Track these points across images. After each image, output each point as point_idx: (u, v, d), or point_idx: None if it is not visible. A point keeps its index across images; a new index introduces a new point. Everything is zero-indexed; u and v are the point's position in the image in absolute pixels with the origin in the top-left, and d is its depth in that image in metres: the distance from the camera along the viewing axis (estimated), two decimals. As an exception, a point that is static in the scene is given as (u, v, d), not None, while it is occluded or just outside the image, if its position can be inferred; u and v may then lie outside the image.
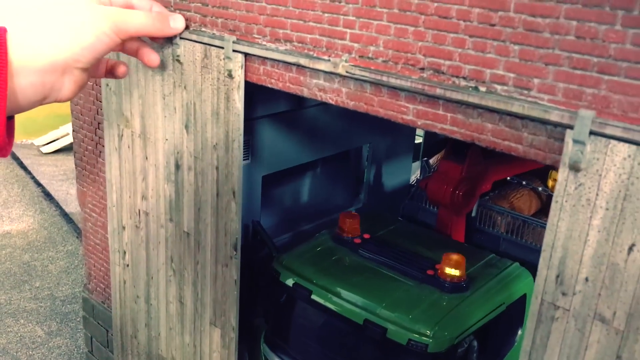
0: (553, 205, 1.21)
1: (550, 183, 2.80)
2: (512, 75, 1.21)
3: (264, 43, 1.61)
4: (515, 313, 1.98)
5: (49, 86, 1.19)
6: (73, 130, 2.62)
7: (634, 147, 1.07)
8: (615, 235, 1.13)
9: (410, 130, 3.26)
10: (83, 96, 2.47)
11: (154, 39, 1.72)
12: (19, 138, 6.54)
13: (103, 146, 2.47)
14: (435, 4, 1.28)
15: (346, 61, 1.45)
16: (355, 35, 1.42)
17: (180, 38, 1.73)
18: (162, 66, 1.85)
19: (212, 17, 1.69)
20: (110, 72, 1.47)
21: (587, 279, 1.18)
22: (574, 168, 1.14)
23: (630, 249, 1.12)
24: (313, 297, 1.93)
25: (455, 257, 1.90)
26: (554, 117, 1.15)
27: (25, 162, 5.74)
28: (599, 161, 1.12)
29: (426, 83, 1.32)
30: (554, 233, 1.21)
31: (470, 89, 1.27)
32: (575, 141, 1.13)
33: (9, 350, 3.23)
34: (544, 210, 2.73)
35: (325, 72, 1.50)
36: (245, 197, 2.08)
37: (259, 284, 2.24)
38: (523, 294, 2.01)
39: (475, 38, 1.24)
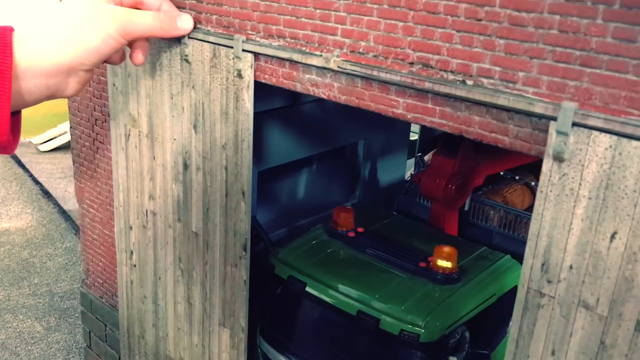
0: (538, 195, 1.24)
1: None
2: (498, 68, 1.24)
3: (257, 39, 1.64)
4: (506, 304, 2.01)
5: (54, 87, 1.21)
6: (70, 127, 2.64)
7: (615, 137, 1.11)
8: (598, 223, 1.16)
9: (405, 127, 3.29)
10: (80, 93, 2.50)
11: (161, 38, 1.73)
12: (17, 136, 6.55)
13: (101, 142, 2.50)
14: (424, 0, 1.31)
15: (338, 56, 1.48)
16: (346, 30, 1.45)
17: (189, 37, 1.73)
18: (170, 66, 1.85)
19: (206, 14, 1.72)
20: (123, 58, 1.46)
21: (571, 267, 1.22)
22: (558, 159, 1.18)
23: (613, 236, 1.15)
24: (307, 289, 1.97)
25: (447, 249, 1.93)
26: (538, 109, 1.18)
27: (23, 160, 5.77)
28: (581, 152, 1.15)
29: (415, 77, 1.35)
30: (539, 222, 1.25)
31: (458, 82, 1.30)
32: (559, 132, 1.16)
33: (8, 346, 3.26)
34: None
35: (318, 67, 1.53)
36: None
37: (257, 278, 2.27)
38: (514, 285, 2.04)
39: (463, 33, 1.27)
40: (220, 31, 1.70)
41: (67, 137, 6.35)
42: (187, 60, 1.78)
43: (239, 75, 1.66)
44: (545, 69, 1.18)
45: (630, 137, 1.09)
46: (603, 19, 1.09)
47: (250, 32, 1.65)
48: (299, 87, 1.60)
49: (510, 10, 1.19)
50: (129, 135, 2.11)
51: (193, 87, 1.81)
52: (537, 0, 1.15)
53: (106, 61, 1.48)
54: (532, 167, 2.80)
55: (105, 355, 2.85)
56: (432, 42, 1.32)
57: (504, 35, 1.22)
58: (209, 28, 1.72)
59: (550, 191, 1.21)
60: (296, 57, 1.55)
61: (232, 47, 1.65)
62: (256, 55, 1.63)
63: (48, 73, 1.18)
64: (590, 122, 1.12)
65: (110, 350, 2.80)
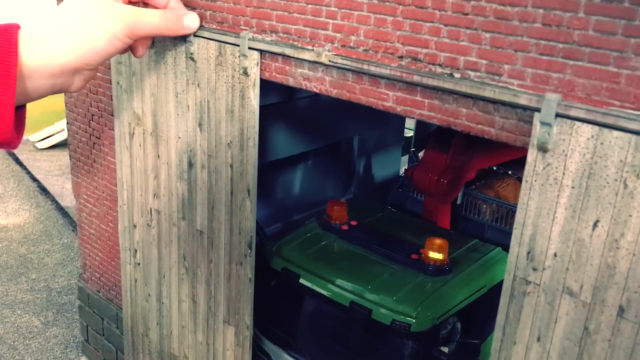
0: (523, 185, 1.27)
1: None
2: (484, 61, 1.27)
3: (251, 34, 1.66)
4: (497, 295, 2.04)
5: (59, 85, 1.23)
6: (67, 123, 2.67)
7: (596, 128, 1.14)
8: (581, 212, 1.19)
9: (399, 123, 3.32)
10: (77, 89, 2.52)
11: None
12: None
13: (97, 138, 2.53)
14: (413, -5, 1.34)
15: (329, 51, 1.51)
16: (337, 25, 1.48)
17: (194, 35, 1.73)
18: (175, 64, 1.84)
19: (201, 9, 1.75)
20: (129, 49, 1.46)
21: (555, 255, 1.25)
22: (542, 149, 1.21)
23: (595, 224, 1.18)
24: (301, 281, 1.99)
25: (438, 241, 1.96)
26: (523, 100, 1.21)
27: (21, 157, 5.79)
28: (564, 142, 1.18)
29: (404, 70, 1.38)
30: (524, 211, 1.28)
31: (446, 75, 1.33)
32: (543, 123, 1.19)
33: (6, 340, 3.29)
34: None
35: (310, 62, 1.56)
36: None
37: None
38: (505, 277, 2.07)
39: (450, 27, 1.30)
40: (214, 27, 1.73)
41: (64, 135, 6.37)
42: (192, 59, 1.77)
43: (245, 73, 1.66)
44: (530, 62, 1.21)
45: (611, 127, 1.12)
46: (585, 12, 1.12)
47: (243, 27, 1.67)
48: (291, 82, 1.62)
49: (495, 5, 1.22)
50: (133, 133, 2.11)
51: (198, 85, 1.80)
52: (522, -5, 1.18)
53: (131, 50, 1.51)
54: (524, 162, 2.83)
55: (103, 348, 2.88)
56: (421, 36, 1.35)
57: (489, 28, 1.24)
58: (203, 24, 1.74)
59: (535, 181, 1.24)
60: (288, 51, 1.58)
61: (238, 45, 1.64)
62: (262, 52, 1.62)
63: (54, 73, 1.19)
64: (573, 113, 1.15)
65: (107, 343, 2.82)
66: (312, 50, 1.53)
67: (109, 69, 2.19)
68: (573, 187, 1.19)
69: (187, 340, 2.20)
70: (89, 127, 2.55)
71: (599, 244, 1.18)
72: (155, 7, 1.57)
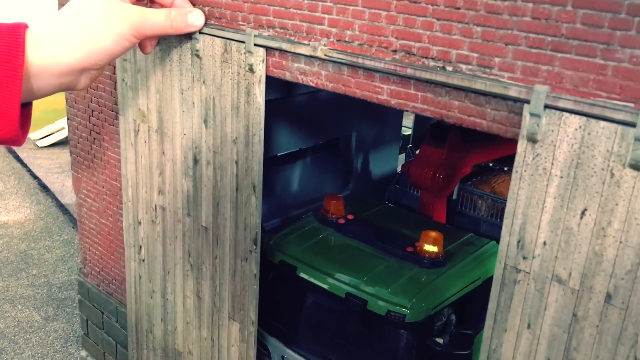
0: (513, 175, 1.30)
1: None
2: (475, 55, 1.30)
3: (249, 30, 1.69)
4: (491, 287, 2.07)
5: (66, 84, 1.25)
6: (68, 119, 2.70)
7: (584, 118, 1.17)
8: (569, 201, 1.22)
9: (397, 120, 3.35)
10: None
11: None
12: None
13: (97, 133, 2.56)
14: (406, -10, 1.37)
15: (325, 45, 1.54)
16: (332, 20, 1.51)
17: (200, 33, 1.74)
18: (181, 61, 1.85)
19: (200, 5, 1.77)
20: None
21: (545, 243, 1.28)
22: (531, 140, 1.24)
23: (583, 213, 1.21)
24: (298, 273, 2.02)
25: (433, 234, 1.99)
26: (513, 92, 1.24)
27: (21, 155, 5.82)
28: (553, 132, 1.21)
29: (398, 64, 1.41)
30: (514, 201, 1.31)
31: (438, 69, 1.36)
32: (532, 114, 1.22)
33: (7, 335, 3.32)
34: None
35: (306, 56, 1.59)
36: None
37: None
38: (499, 270, 2.10)
39: (442, 21, 1.33)
40: (212, 22, 1.76)
41: (64, 133, 6.40)
42: (197, 55, 1.78)
43: (251, 70, 1.67)
44: (520, 55, 1.24)
45: (598, 117, 1.15)
46: (573, 5, 1.15)
47: (241, 22, 1.70)
48: (288, 76, 1.65)
49: (486, -1, 1.25)
50: (138, 130, 2.11)
51: (204, 82, 1.81)
52: (511, -11, 1.21)
53: (139, 47, 1.53)
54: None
55: (102, 342, 2.91)
56: (414, 30, 1.38)
57: (481, 22, 1.27)
58: (208, 21, 1.75)
59: (525, 171, 1.27)
60: (285, 46, 1.61)
61: (243, 42, 1.66)
62: (268, 49, 1.63)
63: (61, 73, 1.21)
64: (561, 104, 1.18)
65: (107, 337, 2.85)
66: (309, 44, 1.56)
67: (113, 65, 2.22)
68: (561, 177, 1.22)
69: (191, 336, 2.21)
70: (89, 122, 2.58)
71: (586, 232, 1.21)
72: (162, 5, 1.59)
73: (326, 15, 1.52)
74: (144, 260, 2.30)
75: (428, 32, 1.36)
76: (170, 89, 1.93)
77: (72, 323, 3.41)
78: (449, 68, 1.34)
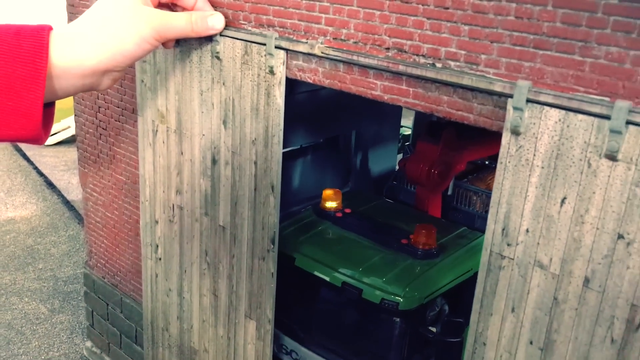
0: (498, 166, 1.37)
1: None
2: (463, 52, 1.37)
3: (249, 28, 1.77)
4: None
5: (89, 85, 1.30)
6: (75, 115, 2.78)
7: (563, 112, 1.24)
8: (550, 190, 1.29)
9: (396, 119, 3.42)
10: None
11: None
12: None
13: (104, 129, 2.64)
14: (398, -10, 1.44)
15: (322, 43, 1.61)
16: (329, 19, 1.59)
17: (221, 35, 1.76)
18: (200, 62, 1.87)
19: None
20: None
21: (527, 230, 1.35)
22: (515, 132, 1.31)
23: (563, 201, 1.28)
24: (296, 263, 2.10)
25: (427, 227, 2.06)
26: (498, 87, 1.32)
27: (28, 153, 5.91)
28: (535, 125, 1.28)
29: (391, 61, 1.48)
30: (499, 191, 1.38)
31: (429, 65, 1.43)
32: (515, 108, 1.29)
33: (14, 326, 3.40)
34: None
35: (304, 54, 1.66)
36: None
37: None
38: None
39: (432, 20, 1.40)
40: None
41: (70, 132, 6.49)
42: (218, 57, 1.80)
43: (271, 72, 1.69)
44: (504, 52, 1.31)
45: (576, 111, 1.22)
46: (553, 5, 1.23)
47: (242, 21, 1.78)
48: (287, 73, 1.73)
49: (473, -1, 1.33)
50: (157, 131, 2.13)
51: (223, 83, 1.83)
52: (496, -10, 1.29)
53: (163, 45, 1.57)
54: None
55: (107, 333, 2.99)
56: (406, 29, 1.45)
57: (468, 21, 1.35)
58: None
59: (509, 162, 1.34)
60: (285, 44, 1.69)
61: (264, 45, 1.68)
62: (288, 51, 1.67)
63: (84, 74, 1.25)
64: (542, 98, 1.25)
65: (112, 327, 2.93)
66: (307, 42, 1.64)
67: (132, 67, 2.21)
68: (543, 167, 1.29)
69: (207, 334, 2.22)
70: (96, 119, 2.66)
71: (566, 220, 1.28)
72: (184, 8, 1.64)
73: (323, 15, 1.60)
74: (160, 258, 2.31)
75: (419, 31, 1.43)
76: (189, 90, 1.95)
77: (78, 315, 3.50)
78: (439, 65, 1.42)
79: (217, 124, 1.90)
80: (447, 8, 1.37)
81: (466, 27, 1.35)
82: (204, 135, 1.96)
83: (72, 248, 4.26)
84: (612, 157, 1.19)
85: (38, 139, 1.21)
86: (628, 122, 1.15)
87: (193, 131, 1.99)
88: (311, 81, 1.69)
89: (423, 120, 3.61)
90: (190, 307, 2.25)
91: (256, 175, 1.84)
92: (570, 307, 1.32)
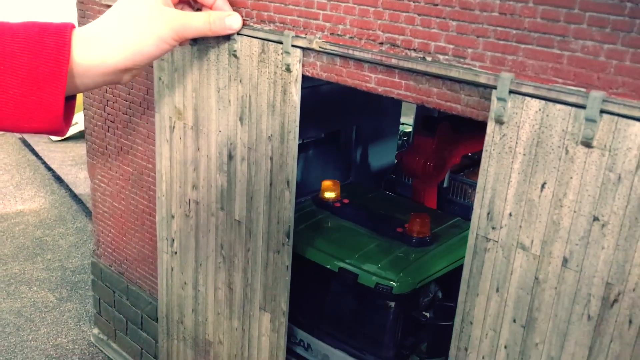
0: (484, 154, 1.45)
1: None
2: (451, 46, 1.46)
3: (251, 24, 1.86)
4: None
5: (109, 81, 1.37)
6: (84, 108, 2.88)
7: (543, 102, 1.32)
8: (531, 175, 1.38)
9: (395, 114, 3.50)
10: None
11: None
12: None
13: (112, 122, 2.74)
14: (391, -12, 1.53)
15: (319, 38, 1.70)
16: (326, 15, 1.67)
17: (238, 34, 1.81)
18: (218, 60, 1.91)
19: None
20: None
21: (510, 214, 1.43)
22: (499, 121, 1.39)
23: (543, 186, 1.36)
24: (295, 251, 2.18)
25: (421, 216, 2.15)
26: (483, 79, 1.40)
27: (37, 148, 6.03)
28: (517, 115, 1.36)
29: (384, 55, 1.56)
30: (485, 177, 1.46)
31: (419, 59, 1.52)
32: (499, 99, 1.37)
33: (24, 313, 3.51)
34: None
35: (303, 48, 1.75)
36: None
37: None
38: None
39: (423, 16, 1.49)
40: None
41: (77, 128, 6.60)
42: (235, 55, 1.85)
43: (288, 70, 1.73)
44: (489, 46, 1.39)
45: (555, 101, 1.30)
46: (534, 2, 1.31)
47: (245, 18, 1.87)
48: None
49: (460, -4, 1.41)
50: (174, 127, 2.18)
51: (240, 81, 1.88)
52: (481, -12, 1.37)
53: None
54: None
55: (114, 319, 3.08)
56: (398, 25, 1.54)
57: (455, 17, 1.43)
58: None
59: (493, 150, 1.43)
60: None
61: (281, 43, 1.73)
62: (304, 50, 1.70)
63: (105, 73, 1.32)
64: (524, 89, 1.34)
65: (118, 314, 3.03)
66: (305, 37, 1.73)
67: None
68: (524, 154, 1.37)
69: (222, 327, 2.26)
70: (104, 112, 2.75)
71: (546, 203, 1.37)
72: (204, 6, 1.70)
73: (321, 11, 1.68)
74: (176, 252, 2.35)
75: (410, 26, 1.52)
76: (206, 87, 1.99)
77: (85, 304, 3.60)
78: (429, 58, 1.50)
79: (233, 120, 1.94)
80: (437, 5, 1.46)
81: (454, 23, 1.44)
82: (220, 131, 2.00)
83: (79, 240, 4.36)
84: (587, 144, 1.27)
85: (60, 131, 1.27)
86: (602, 111, 1.23)
87: (210, 127, 2.03)
88: (309, 74, 1.78)
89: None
90: (205, 300, 2.29)
91: (272, 171, 1.88)
92: (550, 286, 1.40)
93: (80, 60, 1.27)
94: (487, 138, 1.43)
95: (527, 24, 1.32)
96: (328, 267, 2.09)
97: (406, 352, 2.06)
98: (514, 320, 1.49)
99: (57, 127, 1.26)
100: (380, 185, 3.14)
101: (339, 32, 1.66)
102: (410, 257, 2.08)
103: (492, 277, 1.51)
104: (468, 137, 2.64)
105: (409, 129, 4.05)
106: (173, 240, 2.35)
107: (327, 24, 1.68)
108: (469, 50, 1.43)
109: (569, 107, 1.28)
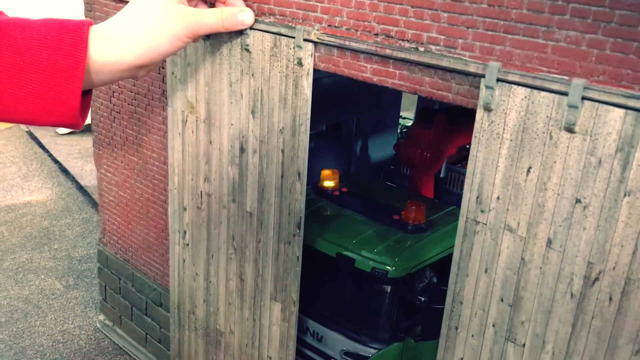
0: (473, 140, 1.52)
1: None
2: (442, 37, 1.52)
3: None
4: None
5: (125, 77, 1.42)
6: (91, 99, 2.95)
7: (528, 90, 1.38)
8: (517, 160, 1.44)
9: (395, 108, 3.57)
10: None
11: None
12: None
13: (117, 112, 2.81)
14: (386, -19, 1.59)
15: (317, 30, 1.77)
16: (324, 8, 1.74)
17: (250, 28, 1.84)
18: (230, 55, 1.94)
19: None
20: None
21: (498, 198, 1.50)
22: (487, 109, 1.46)
23: (528, 170, 1.43)
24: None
25: (416, 203, 2.21)
26: (472, 68, 1.46)
27: (43, 141, 6.12)
28: (504, 102, 1.43)
29: (379, 46, 1.63)
30: (474, 162, 1.53)
31: (412, 49, 1.58)
32: (487, 87, 1.44)
33: (31, 300, 3.60)
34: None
35: (302, 40, 1.82)
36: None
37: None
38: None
39: (416, 8, 1.55)
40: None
41: (83, 121, 6.67)
42: (247, 50, 1.88)
43: (299, 64, 1.76)
44: (478, 36, 1.45)
45: (540, 89, 1.36)
46: (520, -6, 1.37)
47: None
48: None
49: (451, -11, 1.47)
50: (186, 121, 2.21)
51: (252, 75, 1.90)
52: (471, -20, 1.43)
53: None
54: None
55: (119, 306, 3.17)
56: (392, 16, 1.60)
57: (446, 9, 1.49)
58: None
59: (482, 136, 1.49)
60: (284, 31, 1.84)
61: (293, 37, 1.76)
62: (316, 44, 1.72)
63: (122, 70, 1.36)
64: (510, 77, 1.40)
65: (124, 301, 3.11)
66: (304, 29, 1.79)
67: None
68: (511, 140, 1.44)
69: (233, 317, 2.30)
70: (110, 103, 2.83)
71: (531, 187, 1.43)
72: (217, 1, 1.73)
73: (319, 4, 1.75)
74: (188, 244, 2.39)
75: (404, 18, 1.58)
76: (219, 81, 2.02)
77: (91, 291, 3.69)
78: (421, 49, 1.56)
79: (245, 113, 1.98)
80: (429, -3, 1.52)
81: (445, 14, 1.50)
82: (232, 124, 2.03)
83: (85, 230, 4.45)
84: (570, 129, 1.33)
85: (76, 124, 1.32)
86: (583, 98, 1.30)
87: (222, 121, 2.06)
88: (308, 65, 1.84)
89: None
90: (216, 291, 2.33)
91: (283, 163, 1.92)
92: (536, 266, 1.47)
93: (97, 57, 1.31)
94: (476, 125, 1.49)
95: (513, 15, 1.38)
96: (326, 252, 2.16)
97: (401, 334, 2.13)
98: (502, 300, 1.55)
99: (74, 120, 1.31)
100: (379, 176, 3.20)
101: (336, 24, 1.72)
102: (406, 243, 2.15)
103: (481, 258, 1.57)
104: (463, 129, 2.70)
105: (410, 122, 4.12)
106: (185, 232, 2.38)
107: (325, 16, 1.74)
108: (459, 41, 1.49)
109: (553, 95, 1.35)
